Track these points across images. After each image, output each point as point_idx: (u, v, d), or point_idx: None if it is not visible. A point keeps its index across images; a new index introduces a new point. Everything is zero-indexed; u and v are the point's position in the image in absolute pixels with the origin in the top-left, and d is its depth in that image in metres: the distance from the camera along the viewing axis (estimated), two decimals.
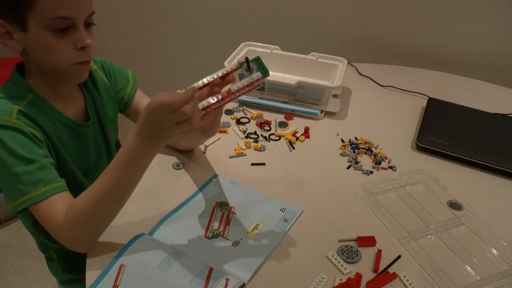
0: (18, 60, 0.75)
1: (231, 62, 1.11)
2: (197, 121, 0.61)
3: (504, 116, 1.13)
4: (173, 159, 0.88)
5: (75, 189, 0.81)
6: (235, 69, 0.67)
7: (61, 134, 0.76)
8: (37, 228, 0.82)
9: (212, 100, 0.63)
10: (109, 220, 0.68)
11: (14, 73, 0.74)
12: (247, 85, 0.65)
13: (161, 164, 0.87)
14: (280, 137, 0.98)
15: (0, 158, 0.65)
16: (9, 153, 0.65)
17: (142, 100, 0.91)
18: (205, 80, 0.65)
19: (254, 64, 0.66)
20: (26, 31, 0.66)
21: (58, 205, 0.65)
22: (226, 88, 0.65)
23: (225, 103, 0.65)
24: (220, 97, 0.63)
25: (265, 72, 0.65)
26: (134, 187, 0.67)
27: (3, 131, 0.66)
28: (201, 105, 0.62)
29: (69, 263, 0.90)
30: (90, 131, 0.82)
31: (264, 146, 0.94)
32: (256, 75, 0.65)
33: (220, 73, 0.66)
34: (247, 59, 0.65)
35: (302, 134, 0.99)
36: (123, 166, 0.64)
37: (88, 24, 0.70)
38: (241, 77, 0.66)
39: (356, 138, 1.00)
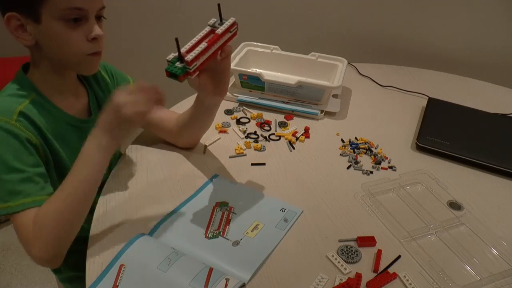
0: (20, 60, 0.76)
1: (231, 62, 1.11)
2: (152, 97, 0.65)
3: (504, 116, 1.13)
4: (173, 157, 0.88)
5: None
6: (210, 32, 0.70)
7: (63, 133, 0.77)
8: None
9: (199, 48, 0.65)
10: (75, 226, 0.67)
11: (19, 72, 0.75)
12: (229, 27, 0.69)
13: (161, 164, 0.87)
14: (280, 137, 0.98)
15: None
16: None
17: None
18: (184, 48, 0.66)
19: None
20: (39, 23, 0.67)
21: (32, 219, 0.65)
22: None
23: (215, 51, 0.68)
24: (206, 44, 0.66)
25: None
26: (94, 187, 0.68)
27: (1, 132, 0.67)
28: (191, 56, 0.64)
29: (69, 259, 0.91)
30: (92, 127, 0.83)
31: (264, 146, 0.94)
32: (231, 19, 0.70)
33: (197, 37, 0.68)
34: (219, 6, 0.69)
35: (302, 134, 0.99)
36: (80, 167, 0.65)
37: (98, 17, 0.73)
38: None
39: (356, 138, 1.00)
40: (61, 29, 0.68)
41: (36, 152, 0.70)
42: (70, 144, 0.78)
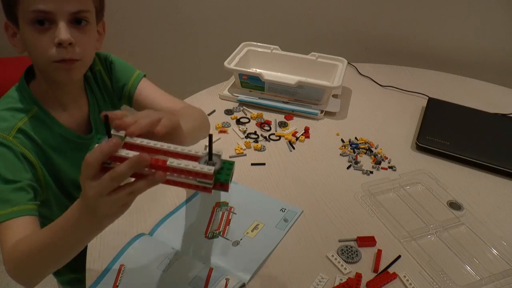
0: (20, 60, 0.75)
1: (231, 62, 1.11)
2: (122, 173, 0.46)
3: (504, 116, 1.13)
4: None
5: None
6: (192, 157, 0.48)
7: (62, 147, 0.75)
8: None
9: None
10: (47, 270, 0.62)
11: (21, 81, 0.73)
12: (190, 172, 0.46)
13: None
14: (280, 137, 0.98)
15: None
16: None
17: (146, 90, 0.85)
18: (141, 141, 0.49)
19: (220, 163, 0.48)
20: (19, 29, 0.67)
21: (18, 230, 0.62)
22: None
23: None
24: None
25: (225, 181, 0.47)
26: (74, 251, 0.58)
27: None
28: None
29: (69, 262, 0.90)
30: (91, 143, 0.81)
31: (264, 146, 0.94)
32: (208, 169, 0.46)
33: (171, 147, 0.49)
34: (209, 148, 0.48)
35: (302, 134, 0.99)
36: (63, 230, 0.55)
37: (78, 21, 0.67)
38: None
39: (356, 138, 1.00)
40: (29, 33, 0.65)
41: (31, 168, 0.68)
42: (70, 158, 0.77)
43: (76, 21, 0.66)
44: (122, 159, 0.46)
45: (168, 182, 0.48)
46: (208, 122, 0.85)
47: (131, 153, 0.46)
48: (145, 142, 0.49)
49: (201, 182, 0.47)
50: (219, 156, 0.49)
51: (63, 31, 0.64)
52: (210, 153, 0.48)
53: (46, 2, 0.63)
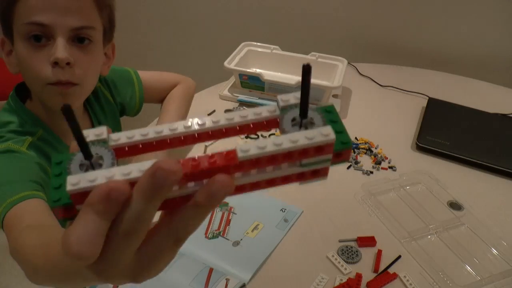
0: None
1: (231, 62, 1.11)
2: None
3: (504, 116, 1.13)
4: (173, 158, 0.88)
5: None
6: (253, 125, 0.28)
7: None
8: None
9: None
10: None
11: (15, 101, 0.67)
12: (289, 156, 0.25)
13: None
14: None
15: None
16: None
17: (147, 84, 0.89)
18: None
19: (320, 114, 0.28)
20: (13, 45, 0.61)
21: (26, 213, 0.52)
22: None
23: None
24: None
25: (345, 143, 0.26)
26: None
27: (9, 154, 0.60)
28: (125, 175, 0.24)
29: None
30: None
31: None
32: (322, 133, 0.25)
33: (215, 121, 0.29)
34: (303, 96, 0.27)
35: None
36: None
37: (81, 40, 0.60)
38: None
39: (356, 138, 1.00)
40: (24, 49, 0.58)
41: (47, 178, 0.62)
42: None
43: (78, 39, 0.60)
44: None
45: (242, 188, 0.28)
46: (191, 94, 0.95)
47: (146, 165, 0.23)
48: (151, 134, 0.27)
49: (308, 164, 0.26)
50: (307, 94, 0.26)
51: (60, 48, 0.57)
52: (304, 104, 0.26)
53: (44, 13, 0.56)
